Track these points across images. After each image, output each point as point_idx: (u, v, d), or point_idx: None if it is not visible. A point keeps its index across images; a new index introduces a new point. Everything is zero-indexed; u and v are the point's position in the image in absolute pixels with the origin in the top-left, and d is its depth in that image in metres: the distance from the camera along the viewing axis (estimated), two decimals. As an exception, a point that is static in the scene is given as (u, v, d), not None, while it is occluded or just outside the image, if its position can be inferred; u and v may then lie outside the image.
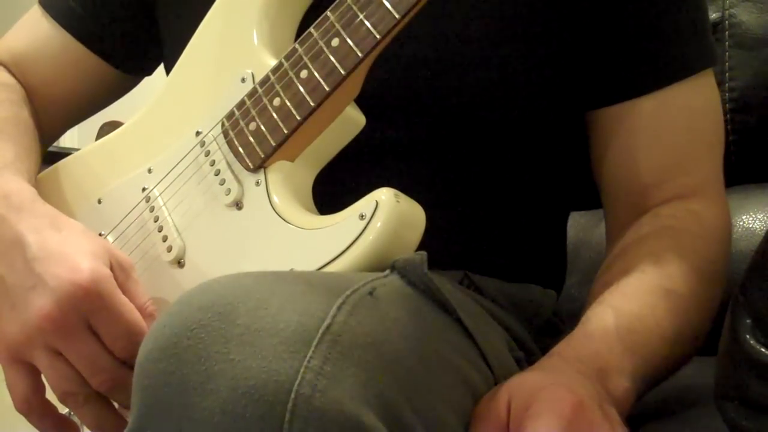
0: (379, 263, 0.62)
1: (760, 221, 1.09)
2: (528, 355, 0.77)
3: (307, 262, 0.64)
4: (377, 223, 0.62)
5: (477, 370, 0.62)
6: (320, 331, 0.51)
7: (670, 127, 0.81)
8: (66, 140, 1.32)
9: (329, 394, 0.49)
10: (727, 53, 1.09)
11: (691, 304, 0.75)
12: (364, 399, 0.50)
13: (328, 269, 0.63)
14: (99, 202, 0.81)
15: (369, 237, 0.62)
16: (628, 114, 0.80)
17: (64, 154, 0.94)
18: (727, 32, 1.12)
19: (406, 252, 0.62)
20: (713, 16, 1.13)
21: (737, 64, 1.10)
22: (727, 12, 1.13)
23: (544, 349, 0.79)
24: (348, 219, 0.64)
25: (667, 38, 0.80)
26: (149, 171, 0.78)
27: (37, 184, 0.82)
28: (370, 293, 0.56)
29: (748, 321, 0.62)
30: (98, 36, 0.94)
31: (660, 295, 0.74)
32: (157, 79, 1.03)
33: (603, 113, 0.82)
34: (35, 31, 0.96)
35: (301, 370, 0.50)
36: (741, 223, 1.06)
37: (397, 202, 0.63)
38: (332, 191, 0.71)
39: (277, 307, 0.52)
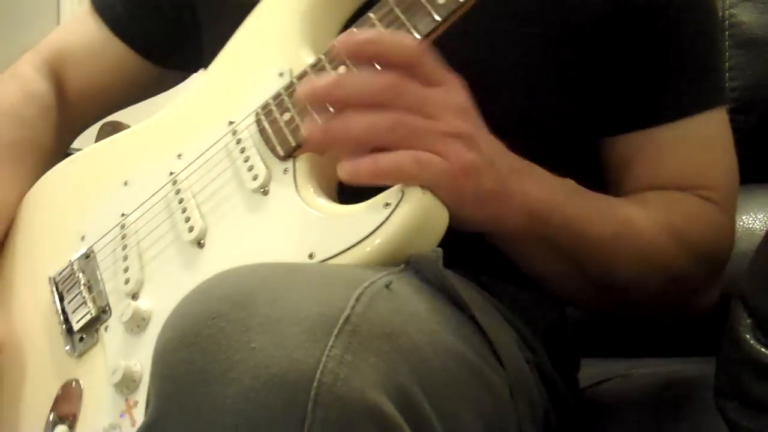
0: (400, 253, 0.62)
1: (760, 221, 1.09)
2: (537, 357, 0.77)
3: (327, 247, 0.63)
4: (402, 211, 0.62)
5: (491, 367, 0.62)
6: (340, 321, 0.51)
7: (687, 152, 0.82)
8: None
9: (351, 382, 0.49)
10: (727, 53, 1.09)
11: (651, 247, 0.76)
12: (383, 389, 0.51)
13: (348, 254, 0.62)
14: (125, 184, 0.81)
15: (393, 222, 0.62)
16: (647, 140, 0.82)
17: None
18: (727, 32, 1.12)
19: (427, 246, 0.62)
20: (713, 16, 1.13)
21: (737, 64, 1.10)
22: (727, 12, 1.13)
23: (549, 354, 0.79)
24: (373, 206, 0.63)
25: (688, 75, 0.82)
26: (178, 156, 0.78)
27: (59, 167, 0.89)
28: (387, 286, 0.56)
29: (748, 321, 0.62)
30: (139, 35, 0.98)
31: (629, 216, 0.76)
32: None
33: (620, 139, 0.83)
34: (81, 31, 1.01)
35: (323, 358, 0.50)
36: (741, 223, 1.06)
37: (423, 194, 0.62)
38: (358, 190, 0.71)
39: (296, 298, 0.53)
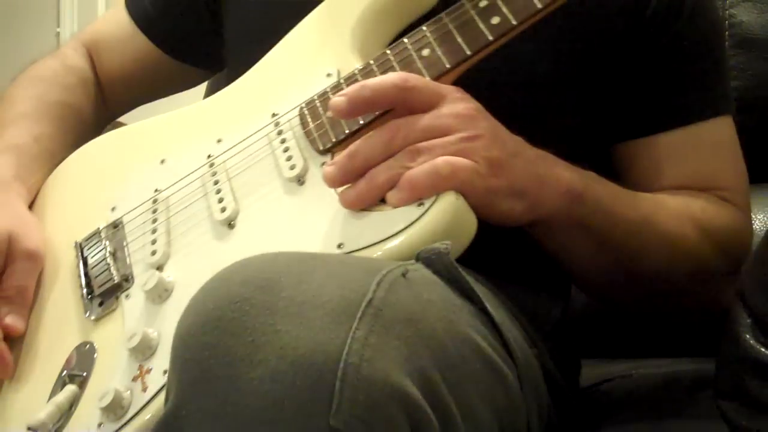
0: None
1: (760, 221, 1.09)
2: (539, 352, 0.77)
3: (356, 239, 0.64)
4: (435, 211, 0.62)
5: (502, 359, 0.63)
6: (363, 305, 0.52)
7: (700, 155, 0.84)
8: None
9: (376, 364, 0.50)
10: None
11: (677, 237, 0.77)
12: (406, 371, 0.52)
13: (375, 248, 0.63)
14: (162, 162, 0.83)
15: (424, 224, 0.62)
16: (660, 144, 0.83)
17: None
18: (727, 32, 1.12)
19: (453, 251, 0.63)
20: (713, 16, 1.13)
21: (737, 64, 1.10)
22: (727, 12, 1.13)
23: (550, 353, 0.79)
24: (406, 205, 0.64)
25: (697, 82, 0.84)
26: (218, 141, 0.80)
27: (95, 144, 0.92)
28: (404, 275, 0.57)
29: (748, 321, 0.62)
30: (164, 32, 1.02)
31: (658, 203, 0.78)
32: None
33: (634, 144, 0.84)
34: (115, 21, 1.05)
35: (348, 340, 0.50)
36: (741, 223, 1.06)
37: (456, 199, 0.63)
38: None
39: (318, 282, 0.53)
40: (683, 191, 0.82)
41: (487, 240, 0.65)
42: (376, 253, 0.63)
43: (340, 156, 0.66)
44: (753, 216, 1.09)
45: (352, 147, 0.66)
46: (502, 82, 0.78)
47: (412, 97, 0.66)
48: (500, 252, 0.74)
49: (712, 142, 0.85)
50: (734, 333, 0.62)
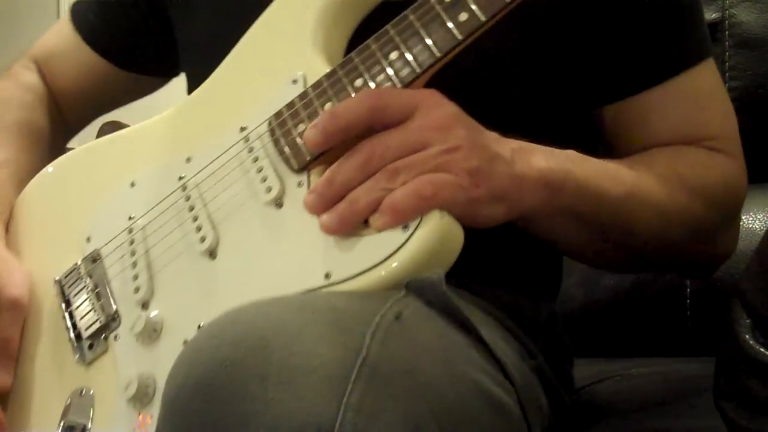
0: (415, 276, 0.61)
1: (760, 221, 1.09)
2: (537, 362, 0.77)
3: (344, 268, 0.63)
4: (420, 234, 0.61)
5: (500, 386, 0.62)
6: (357, 365, 0.51)
7: (683, 109, 0.82)
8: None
9: (371, 431, 0.49)
10: (727, 53, 1.09)
11: (668, 205, 0.76)
12: (401, 431, 0.50)
13: (364, 277, 0.62)
14: (132, 185, 0.80)
15: (411, 248, 0.61)
16: (640, 105, 0.82)
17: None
18: (727, 32, 1.12)
19: (441, 268, 0.62)
20: (713, 16, 1.13)
21: (737, 64, 1.10)
22: (727, 12, 1.13)
23: (543, 351, 0.79)
24: (391, 229, 0.62)
25: (669, 34, 0.82)
26: (188, 160, 0.77)
27: (61, 162, 0.88)
28: (397, 317, 0.56)
29: (747, 321, 0.62)
30: (110, 43, 1.00)
31: (643, 170, 0.76)
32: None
33: (615, 107, 0.83)
34: (62, 34, 1.03)
35: (341, 408, 0.49)
36: (741, 223, 1.06)
37: (441, 218, 0.62)
38: None
39: (310, 341, 0.52)
40: (670, 148, 0.81)
41: (470, 243, 0.64)
42: (364, 283, 0.62)
43: (319, 183, 0.65)
44: (753, 216, 1.09)
45: (329, 173, 0.65)
46: (472, 65, 0.75)
47: (386, 115, 0.64)
48: (485, 253, 0.73)
49: (695, 91, 0.83)
50: (733, 333, 0.62)
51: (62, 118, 1.03)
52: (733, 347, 0.62)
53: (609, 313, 1.14)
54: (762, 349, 0.60)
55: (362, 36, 0.72)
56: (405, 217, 0.61)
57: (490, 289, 0.79)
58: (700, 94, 0.83)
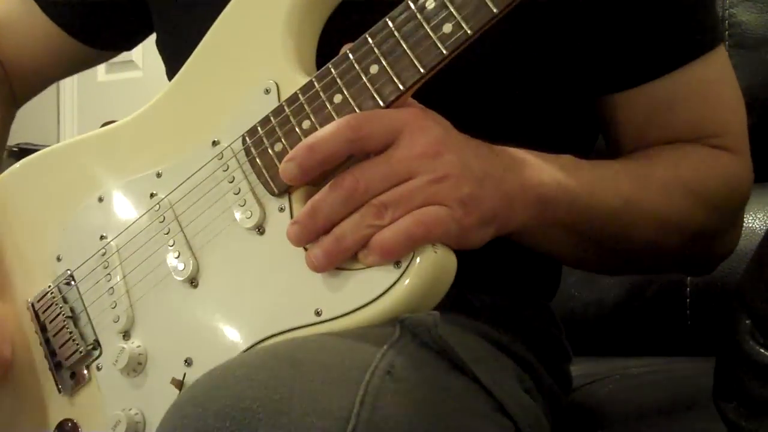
0: (408, 312, 0.60)
1: (760, 221, 1.09)
2: (536, 376, 0.77)
3: (334, 306, 0.61)
4: (414, 271, 0.59)
5: (498, 425, 0.61)
6: None
7: (689, 102, 0.79)
8: (66, 138, 1.32)
9: None
10: (727, 53, 1.10)
11: (667, 209, 0.75)
12: None
13: (356, 315, 0.60)
14: (100, 200, 0.76)
15: (403, 287, 0.59)
16: (645, 96, 0.79)
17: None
18: (727, 32, 1.12)
19: (435, 301, 0.61)
20: (713, 15, 1.13)
21: (737, 64, 1.10)
22: (727, 12, 1.13)
23: (539, 355, 0.79)
24: (383, 265, 0.60)
25: (677, 21, 0.79)
26: (158, 175, 0.73)
27: (19, 170, 0.83)
28: (389, 372, 0.54)
29: (747, 321, 0.62)
30: (78, 22, 0.95)
31: (640, 178, 0.74)
32: (156, 78, 1.04)
33: (618, 98, 0.80)
34: (14, 2, 0.97)
35: None
36: (741, 223, 1.06)
37: (435, 252, 0.60)
38: None
39: (298, 412, 0.50)
40: (674, 147, 0.79)
41: (464, 251, 0.63)
42: (356, 321, 0.60)
43: (302, 215, 0.62)
44: (753, 216, 1.09)
45: (312, 203, 0.62)
46: (473, 53, 0.69)
47: (368, 145, 0.61)
48: (480, 259, 0.72)
49: (702, 83, 0.79)
50: (734, 333, 0.62)
51: (11, 91, 0.99)
52: (733, 348, 0.62)
53: (608, 313, 1.14)
54: (762, 350, 0.60)
55: (330, 34, 0.70)
56: (396, 257, 0.59)
57: (486, 296, 0.78)
58: (711, 85, 0.80)
